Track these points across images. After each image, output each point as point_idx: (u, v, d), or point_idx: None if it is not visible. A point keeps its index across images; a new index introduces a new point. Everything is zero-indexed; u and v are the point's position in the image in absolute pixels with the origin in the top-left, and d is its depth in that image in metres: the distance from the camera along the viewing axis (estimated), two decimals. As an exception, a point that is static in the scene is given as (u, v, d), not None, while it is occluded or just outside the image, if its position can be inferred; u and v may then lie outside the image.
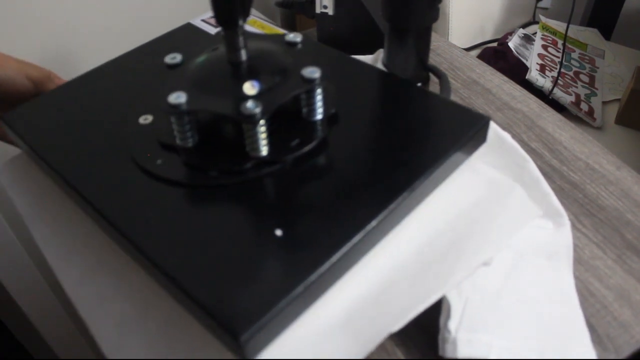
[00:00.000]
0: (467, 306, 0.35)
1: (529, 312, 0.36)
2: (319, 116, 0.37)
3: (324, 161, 0.36)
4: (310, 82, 0.35)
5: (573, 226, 0.41)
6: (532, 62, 1.07)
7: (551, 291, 0.37)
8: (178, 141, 0.36)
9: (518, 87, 0.57)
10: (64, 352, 0.93)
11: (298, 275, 0.28)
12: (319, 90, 0.36)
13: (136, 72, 0.45)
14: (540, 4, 1.27)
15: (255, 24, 0.49)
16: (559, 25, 1.23)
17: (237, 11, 0.33)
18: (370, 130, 0.38)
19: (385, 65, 0.50)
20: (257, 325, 0.27)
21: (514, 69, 1.05)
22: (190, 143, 0.36)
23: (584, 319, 0.36)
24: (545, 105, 0.55)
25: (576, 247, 0.40)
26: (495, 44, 1.17)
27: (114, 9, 0.80)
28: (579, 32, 1.25)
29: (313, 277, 0.29)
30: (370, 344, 0.30)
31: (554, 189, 0.41)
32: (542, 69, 1.07)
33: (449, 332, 0.34)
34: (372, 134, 0.38)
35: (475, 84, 0.58)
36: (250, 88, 0.34)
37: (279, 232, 0.31)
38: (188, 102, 0.34)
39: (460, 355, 0.33)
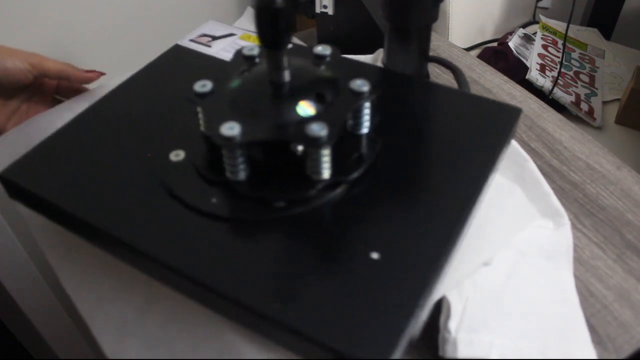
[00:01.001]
0: (468, 306, 0.35)
1: (529, 312, 0.36)
2: (365, 129, 0.35)
3: (386, 174, 0.34)
4: (360, 95, 0.33)
5: (573, 226, 0.41)
6: (532, 62, 1.07)
7: (551, 291, 0.37)
8: (229, 175, 0.33)
9: (518, 87, 0.57)
10: (64, 352, 0.93)
11: (413, 296, 0.27)
12: (367, 103, 0.34)
13: (140, 104, 0.41)
14: (540, 4, 1.27)
15: (250, 38, 0.47)
16: (559, 25, 1.22)
17: (285, 32, 0.30)
18: (416, 137, 0.37)
19: (385, 65, 0.50)
20: (395, 355, 0.26)
21: (514, 69, 1.05)
22: (243, 176, 0.33)
23: (584, 318, 0.36)
24: (545, 105, 0.55)
25: (576, 247, 0.40)
26: (495, 44, 1.17)
27: (113, 9, 0.80)
28: (579, 32, 1.25)
29: (426, 293, 0.28)
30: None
31: (554, 189, 0.41)
32: (542, 68, 1.07)
33: (449, 332, 0.34)
34: (419, 141, 0.37)
35: (476, 84, 0.58)
36: (306, 109, 0.32)
37: (375, 255, 0.29)
38: (243, 132, 0.31)
39: (460, 355, 0.33)
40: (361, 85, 0.33)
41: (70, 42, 0.75)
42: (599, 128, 1.01)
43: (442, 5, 0.46)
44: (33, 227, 0.39)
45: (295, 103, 0.32)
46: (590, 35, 1.25)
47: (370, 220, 0.31)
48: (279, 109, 0.32)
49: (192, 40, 0.45)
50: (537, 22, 1.22)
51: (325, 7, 0.62)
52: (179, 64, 0.44)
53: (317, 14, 0.63)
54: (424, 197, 0.32)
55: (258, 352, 0.30)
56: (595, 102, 1.04)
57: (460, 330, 0.34)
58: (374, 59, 0.53)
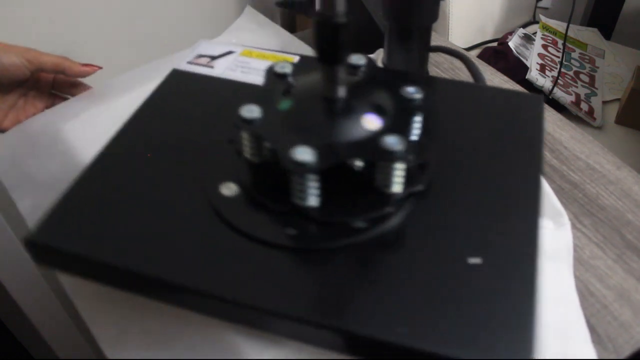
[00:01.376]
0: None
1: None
2: (416, 135, 0.34)
3: (448, 179, 0.33)
4: (415, 102, 0.33)
5: (573, 226, 0.41)
6: (532, 62, 1.07)
7: (551, 291, 0.37)
8: (298, 201, 0.30)
9: (518, 86, 0.57)
10: (64, 352, 0.93)
11: (528, 292, 0.27)
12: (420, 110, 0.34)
13: (159, 136, 0.37)
14: (540, 4, 1.27)
15: (252, 54, 0.44)
16: (559, 25, 1.22)
17: (345, 47, 0.29)
18: (458, 137, 0.36)
19: (385, 65, 0.50)
20: (534, 354, 0.25)
21: (514, 69, 1.05)
22: (315, 201, 0.30)
23: (584, 318, 0.36)
24: (545, 105, 0.55)
25: (576, 247, 0.40)
26: (495, 44, 1.17)
27: (113, 8, 0.80)
28: (579, 32, 1.25)
29: (536, 287, 0.27)
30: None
31: (554, 189, 0.41)
32: (542, 68, 1.07)
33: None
34: (464, 141, 0.36)
35: (476, 84, 0.58)
36: (373, 123, 0.30)
37: (474, 260, 0.28)
38: (319, 156, 0.28)
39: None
40: (413, 92, 0.32)
41: (69, 41, 0.75)
42: (599, 128, 1.01)
43: (442, 5, 0.46)
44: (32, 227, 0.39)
45: (359, 118, 0.30)
46: (590, 35, 1.25)
47: (453, 227, 0.30)
48: (346, 127, 0.30)
49: (190, 63, 0.42)
50: (537, 22, 1.22)
51: (325, 7, 0.62)
52: (185, 89, 0.41)
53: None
54: (493, 198, 0.32)
55: (258, 352, 0.30)
56: (595, 102, 1.04)
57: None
58: (374, 59, 0.53)
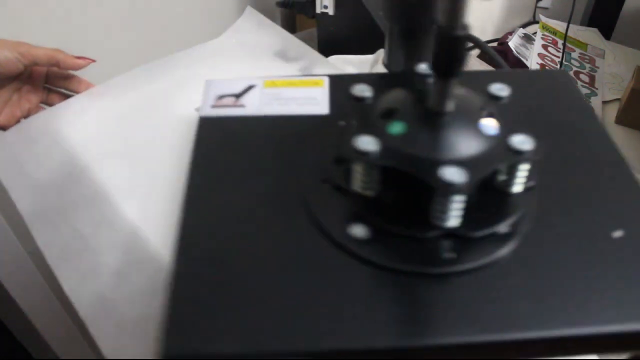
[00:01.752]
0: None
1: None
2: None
3: (553, 167, 0.33)
4: (504, 99, 0.33)
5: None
6: (532, 62, 1.07)
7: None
8: (443, 222, 0.28)
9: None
10: (64, 352, 0.93)
11: None
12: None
13: (232, 194, 0.32)
14: (540, 4, 1.27)
15: (275, 84, 0.39)
16: (559, 25, 1.22)
17: (463, 60, 0.28)
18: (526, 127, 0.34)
19: (385, 65, 0.50)
20: None
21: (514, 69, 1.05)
22: (458, 218, 0.28)
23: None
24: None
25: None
26: (495, 44, 1.17)
27: (112, 7, 0.80)
28: (579, 32, 1.25)
29: None
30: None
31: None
32: (542, 68, 1.07)
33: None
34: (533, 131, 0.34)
35: (476, 84, 0.58)
36: (492, 128, 0.29)
37: (619, 233, 0.29)
38: (469, 175, 0.27)
39: (460, 355, 0.33)
40: (500, 89, 0.32)
41: (69, 41, 0.75)
42: (599, 128, 1.01)
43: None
44: (32, 227, 0.39)
45: (479, 127, 0.29)
46: (590, 35, 1.25)
47: (578, 211, 0.31)
48: (475, 139, 0.29)
49: (215, 107, 0.37)
50: (537, 22, 1.22)
51: (325, 7, 0.62)
52: (231, 135, 0.36)
53: (318, 14, 0.63)
54: (596, 179, 0.33)
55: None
56: (595, 102, 1.04)
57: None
58: (375, 59, 0.53)
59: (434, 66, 0.28)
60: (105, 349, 0.32)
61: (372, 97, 0.32)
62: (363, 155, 0.28)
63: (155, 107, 0.47)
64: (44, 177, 0.42)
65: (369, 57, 0.54)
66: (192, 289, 0.27)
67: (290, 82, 0.40)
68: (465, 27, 0.27)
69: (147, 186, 0.40)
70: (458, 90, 0.30)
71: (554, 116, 0.37)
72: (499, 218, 0.29)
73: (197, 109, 0.46)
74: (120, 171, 0.41)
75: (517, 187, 0.30)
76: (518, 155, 0.28)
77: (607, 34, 1.29)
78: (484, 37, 1.19)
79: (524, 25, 1.23)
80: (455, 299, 0.26)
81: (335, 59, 0.56)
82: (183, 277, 0.28)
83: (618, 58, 1.20)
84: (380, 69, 0.51)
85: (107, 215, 0.38)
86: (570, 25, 1.02)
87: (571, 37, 1.18)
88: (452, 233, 0.28)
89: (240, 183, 0.32)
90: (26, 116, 0.49)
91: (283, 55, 0.52)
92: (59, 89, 0.51)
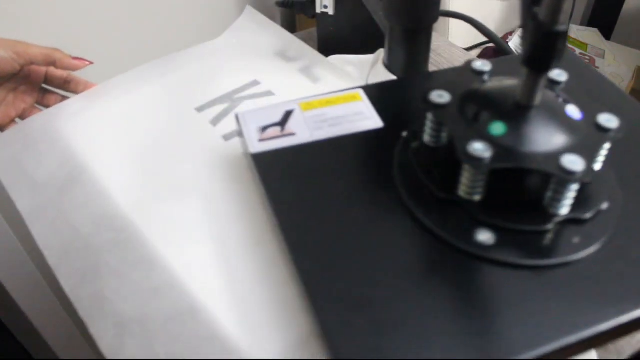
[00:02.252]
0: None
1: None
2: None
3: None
4: (558, 84, 0.33)
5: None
6: (532, 62, 1.07)
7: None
8: (566, 211, 0.29)
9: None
10: (64, 352, 0.93)
11: None
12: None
13: (331, 225, 0.31)
14: (541, 4, 1.27)
15: (311, 105, 0.38)
16: (559, 25, 1.23)
17: (559, 56, 0.28)
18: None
19: (385, 65, 0.50)
20: None
21: (514, 69, 1.05)
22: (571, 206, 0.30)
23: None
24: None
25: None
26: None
27: (111, 7, 0.80)
28: (579, 32, 1.25)
29: None
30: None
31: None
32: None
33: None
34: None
35: (476, 84, 0.58)
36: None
37: None
38: (586, 161, 0.27)
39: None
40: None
41: (69, 41, 0.75)
42: (599, 128, 1.01)
43: (442, 5, 0.46)
44: (32, 227, 0.39)
45: (569, 127, 0.30)
46: (590, 35, 1.25)
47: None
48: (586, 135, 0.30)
49: (263, 140, 0.35)
50: (537, 22, 1.22)
51: (325, 7, 0.62)
52: (296, 167, 0.34)
53: (318, 14, 0.63)
54: None
55: (259, 352, 0.30)
56: (596, 102, 1.04)
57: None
58: (375, 59, 0.53)
59: (529, 61, 0.28)
60: (105, 349, 0.32)
61: (450, 101, 0.31)
62: (478, 161, 0.28)
63: (155, 107, 0.47)
64: (44, 177, 0.42)
65: (369, 57, 0.54)
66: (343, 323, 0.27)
67: (326, 101, 0.39)
68: (564, 23, 0.28)
69: (147, 186, 0.40)
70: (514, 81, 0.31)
71: (591, 93, 0.37)
72: (598, 196, 0.31)
73: (198, 109, 0.46)
74: (121, 171, 0.41)
75: (599, 165, 0.31)
76: (608, 134, 0.29)
77: (607, 34, 1.29)
78: (483, 37, 1.19)
79: (524, 25, 1.23)
80: (600, 280, 0.28)
81: (335, 58, 0.56)
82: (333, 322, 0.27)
83: (618, 58, 1.20)
84: (381, 68, 0.51)
85: (107, 215, 0.38)
86: (570, 25, 1.02)
87: (571, 37, 1.19)
88: (568, 220, 0.30)
89: (335, 210, 0.32)
90: (21, 117, 0.49)
91: (283, 55, 0.52)
92: (56, 90, 0.51)
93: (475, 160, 0.28)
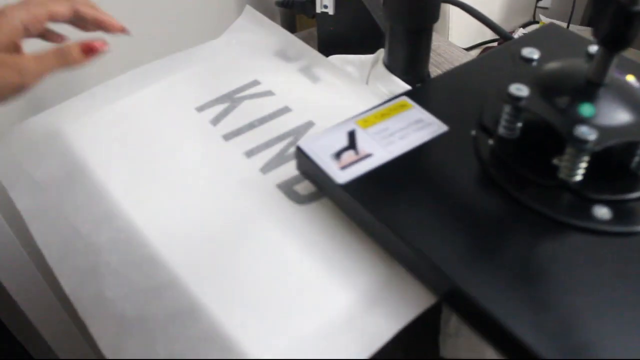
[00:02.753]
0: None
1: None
2: None
3: None
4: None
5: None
6: (532, 62, 1.07)
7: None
8: None
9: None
10: (64, 352, 0.93)
11: None
12: None
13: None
14: (540, 4, 1.27)
15: (367, 122, 0.37)
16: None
17: (635, 36, 0.29)
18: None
19: (386, 65, 0.50)
20: None
21: (514, 69, 1.05)
22: None
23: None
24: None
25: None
26: (495, 44, 1.17)
27: (111, 8, 0.80)
28: (579, 32, 1.25)
29: None
30: (372, 344, 0.30)
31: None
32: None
33: (450, 331, 0.34)
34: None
35: (476, 84, 0.58)
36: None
37: None
38: None
39: (461, 355, 0.33)
40: None
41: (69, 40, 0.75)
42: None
43: (442, 5, 0.46)
44: (32, 227, 0.39)
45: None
46: (590, 35, 1.25)
47: None
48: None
49: (346, 167, 0.34)
50: (537, 22, 1.22)
51: (325, 7, 0.62)
52: (386, 186, 0.34)
53: (318, 13, 0.63)
54: None
55: (260, 352, 0.30)
56: (596, 102, 1.04)
57: (461, 331, 0.34)
58: (375, 59, 0.53)
59: (607, 40, 0.30)
60: (105, 348, 0.32)
61: (529, 95, 0.33)
62: (585, 143, 0.29)
63: (155, 107, 0.47)
64: (44, 177, 0.42)
65: (369, 57, 0.54)
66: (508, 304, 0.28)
67: (380, 114, 0.38)
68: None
69: (147, 185, 0.40)
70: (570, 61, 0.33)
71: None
72: None
73: (198, 109, 0.46)
74: (120, 171, 0.41)
75: None
76: None
77: (607, 34, 1.29)
78: (483, 37, 1.19)
79: (524, 25, 1.23)
80: None
81: (335, 58, 0.55)
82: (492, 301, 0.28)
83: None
84: (381, 68, 0.51)
85: (107, 214, 0.38)
86: (570, 25, 1.02)
87: (571, 37, 1.18)
88: None
89: (453, 216, 0.32)
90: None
91: (283, 55, 0.52)
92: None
93: (583, 143, 0.29)
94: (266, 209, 0.37)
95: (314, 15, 0.64)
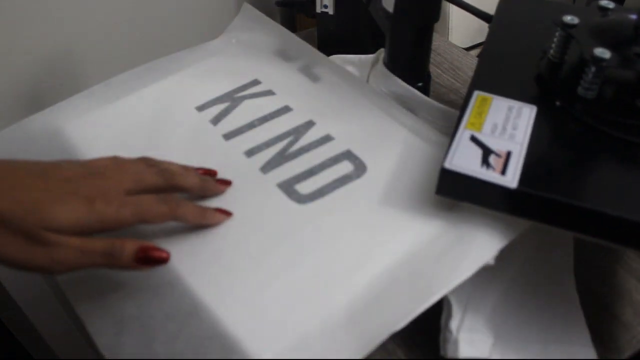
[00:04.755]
0: (469, 306, 0.35)
1: (530, 312, 0.36)
2: None
3: None
4: None
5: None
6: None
7: (552, 291, 0.37)
8: None
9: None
10: (64, 352, 0.93)
11: None
12: None
13: None
14: (540, 4, 1.27)
15: (475, 125, 0.36)
16: (559, 25, 1.23)
17: None
18: None
19: (386, 65, 0.50)
20: None
21: (514, 69, 1.05)
22: None
23: (584, 318, 0.36)
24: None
25: (576, 247, 0.40)
26: (495, 44, 1.17)
27: (110, 8, 0.80)
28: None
29: None
30: (371, 343, 0.30)
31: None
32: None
33: (450, 332, 0.34)
34: None
35: (476, 84, 0.58)
36: None
37: None
38: None
39: (461, 355, 0.33)
40: None
41: (69, 41, 0.75)
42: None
43: (442, 5, 0.46)
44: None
45: None
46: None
47: None
48: None
49: (504, 174, 0.33)
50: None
51: (325, 6, 0.62)
52: (552, 177, 0.34)
53: (318, 13, 0.63)
54: None
55: (260, 351, 0.30)
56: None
57: (462, 330, 0.34)
58: (375, 59, 0.53)
59: None
60: (103, 347, 0.32)
61: (579, 22, 0.37)
62: None
63: (155, 106, 0.47)
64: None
65: (369, 57, 0.54)
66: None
67: (476, 113, 0.37)
68: None
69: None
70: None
71: None
72: None
73: (198, 108, 0.46)
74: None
75: None
76: None
77: (607, 34, 1.29)
78: (483, 37, 1.19)
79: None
80: None
81: (336, 58, 0.55)
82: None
83: (618, 58, 1.20)
84: (381, 68, 0.51)
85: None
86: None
87: (571, 37, 1.18)
88: None
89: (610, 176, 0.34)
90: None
91: (283, 54, 0.52)
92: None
93: None
94: (266, 208, 0.37)
95: (314, 15, 0.64)
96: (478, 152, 0.34)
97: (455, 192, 0.34)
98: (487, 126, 0.36)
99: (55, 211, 0.29)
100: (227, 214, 0.36)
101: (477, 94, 0.38)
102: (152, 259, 0.31)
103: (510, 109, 0.37)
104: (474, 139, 0.35)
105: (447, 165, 0.33)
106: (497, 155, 0.34)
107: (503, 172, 0.33)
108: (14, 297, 0.82)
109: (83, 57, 0.76)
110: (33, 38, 0.71)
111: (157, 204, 0.32)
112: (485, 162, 0.34)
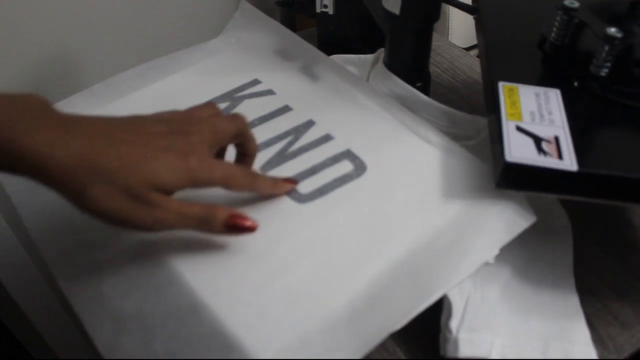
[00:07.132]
0: (469, 305, 0.35)
1: (530, 312, 0.36)
2: None
3: None
4: None
5: (573, 225, 0.41)
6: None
7: (552, 290, 0.37)
8: None
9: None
10: (64, 352, 0.93)
11: None
12: None
13: None
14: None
15: (515, 113, 0.37)
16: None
17: None
18: None
19: (386, 64, 0.51)
20: None
21: (514, 69, 1.05)
22: None
23: (584, 318, 0.36)
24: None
25: (576, 247, 0.40)
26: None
27: (110, 8, 0.80)
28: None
29: None
30: (371, 342, 0.30)
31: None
32: None
33: (450, 331, 0.34)
34: None
35: (476, 84, 0.58)
36: None
37: None
38: None
39: (461, 354, 0.33)
40: None
41: (69, 41, 0.75)
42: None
43: (442, 5, 0.46)
44: (32, 228, 0.39)
45: None
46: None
47: None
48: None
49: (561, 157, 0.33)
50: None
51: (325, 6, 0.62)
52: (601, 154, 0.35)
53: (317, 13, 0.63)
54: None
55: (260, 350, 0.30)
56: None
57: (462, 330, 0.34)
58: (375, 58, 0.53)
59: None
60: (101, 346, 0.31)
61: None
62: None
63: (155, 106, 0.47)
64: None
65: (369, 57, 0.54)
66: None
67: (511, 104, 0.38)
68: None
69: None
70: None
71: None
72: None
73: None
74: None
75: None
76: None
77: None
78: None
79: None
80: None
81: (335, 58, 0.55)
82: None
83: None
84: (381, 68, 0.51)
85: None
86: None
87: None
88: None
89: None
90: None
91: (283, 53, 0.52)
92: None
93: None
94: (266, 208, 0.37)
95: (314, 15, 0.64)
96: (529, 141, 0.34)
97: (516, 183, 0.35)
98: (525, 114, 0.36)
99: (156, 170, 0.30)
100: (293, 182, 0.38)
101: (502, 84, 0.38)
102: (241, 227, 0.33)
103: (537, 95, 0.38)
104: (520, 129, 0.35)
105: (508, 158, 0.33)
106: (547, 141, 0.34)
107: (560, 156, 0.33)
108: (14, 297, 0.82)
109: (83, 57, 0.76)
110: (33, 38, 0.71)
111: (242, 175, 0.35)
112: (540, 149, 0.34)
